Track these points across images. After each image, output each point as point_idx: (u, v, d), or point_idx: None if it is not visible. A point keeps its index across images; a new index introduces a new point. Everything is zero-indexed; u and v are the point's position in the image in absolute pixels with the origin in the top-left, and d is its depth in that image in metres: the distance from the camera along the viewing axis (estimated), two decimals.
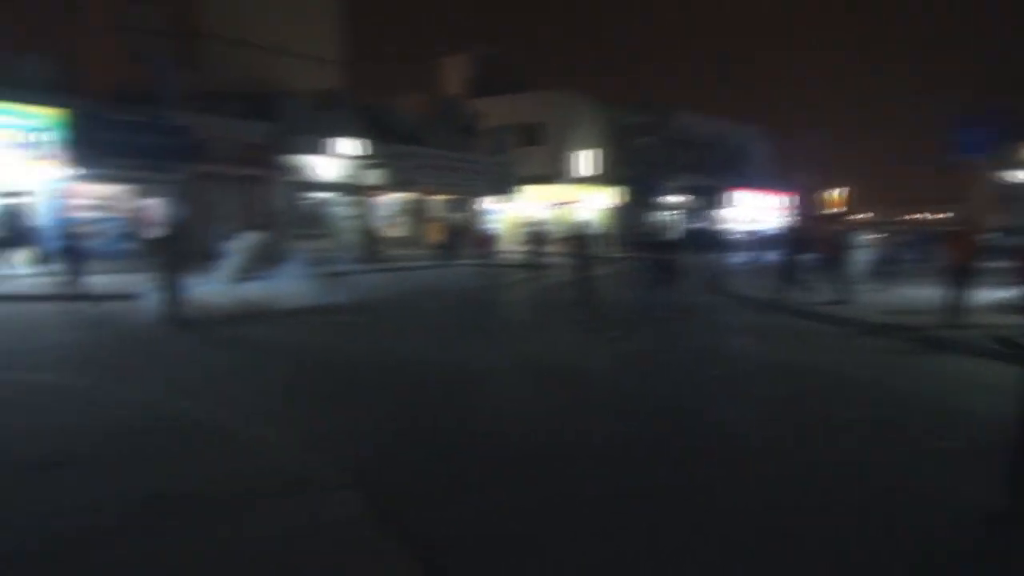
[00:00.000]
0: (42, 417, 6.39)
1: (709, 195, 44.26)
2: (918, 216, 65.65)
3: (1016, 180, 16.84)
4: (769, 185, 51.07)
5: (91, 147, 19.88)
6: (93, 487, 4.77)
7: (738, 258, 25.96)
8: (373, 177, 29.45)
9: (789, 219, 48.56)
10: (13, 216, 19.89)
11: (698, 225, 38.99)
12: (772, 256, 17.73)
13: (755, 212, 48.18)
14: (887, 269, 17.28)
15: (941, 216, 64.08)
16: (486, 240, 29.07)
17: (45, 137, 19.12)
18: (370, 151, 28.44)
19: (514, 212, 38.36)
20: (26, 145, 18.81)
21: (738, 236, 36.27)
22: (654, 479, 5.53)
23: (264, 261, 15.63)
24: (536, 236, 26.49)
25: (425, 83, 44.73)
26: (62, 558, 3.85)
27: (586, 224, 25.68)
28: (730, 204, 45.94)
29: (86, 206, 21.28)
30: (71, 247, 18.34)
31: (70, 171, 19.86)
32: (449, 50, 44.17)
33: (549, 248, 25.69)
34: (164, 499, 4.58)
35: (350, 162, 28.54)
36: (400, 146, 29.74)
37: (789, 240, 15.53)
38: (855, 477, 5.58)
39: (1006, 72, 18.63)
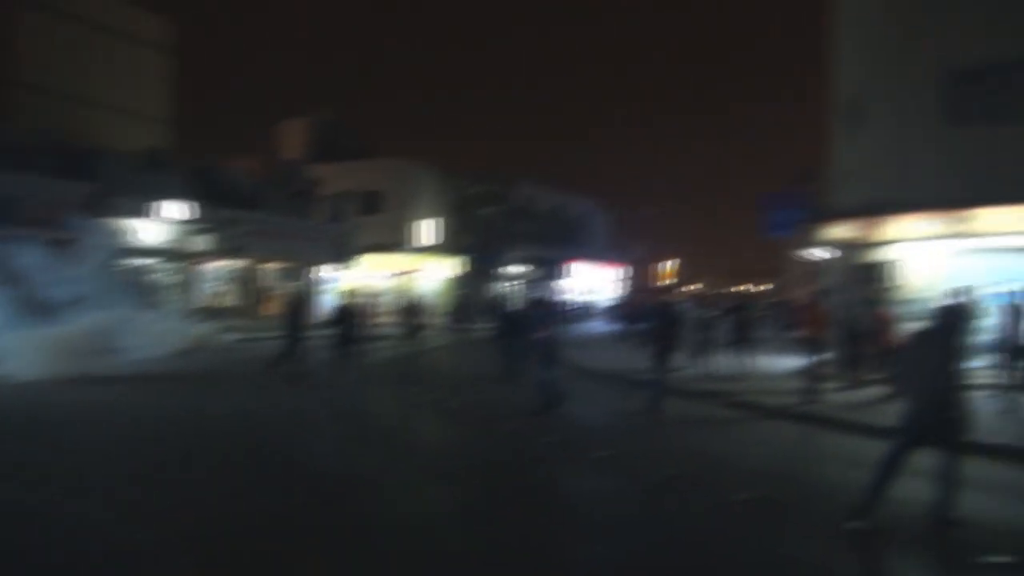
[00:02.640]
0: None
1: (549, 266, 45.51)
2: (743, 288, 70.55)
3: (816, 257, 18.51)
4: (606, 257, 53.34)
5: None
6: None
7: (580, 329, 26.49)
8: (201, 243, 27.84)
9: (626, 290, 50.70)
10: None
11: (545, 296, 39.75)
12: (613, 327, 18.17)
13: (593, 283, 49.98)
14: (731, 339, 17.27)
15: (763, 288, 69.42)
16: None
17: None
18: (198, 215, 26.90)
19: (353, 281, 37.49)
20: None
21: (579, 307, 37.37)
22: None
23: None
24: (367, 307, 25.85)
25: (262, 147, 43.50)
26: None
27: (422, 295, 25.35)
28: (569, 275, 47.42)
29: None
30: None
31: None
32: (289, 114, 43.34)
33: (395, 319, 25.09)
34: None
35: (176, 226, 26.85)
36: (231, 211, 28.39)
37: (628, 311, 15.94)
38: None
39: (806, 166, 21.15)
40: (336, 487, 7.35)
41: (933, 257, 14.90)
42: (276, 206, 30.87)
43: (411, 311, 20.25)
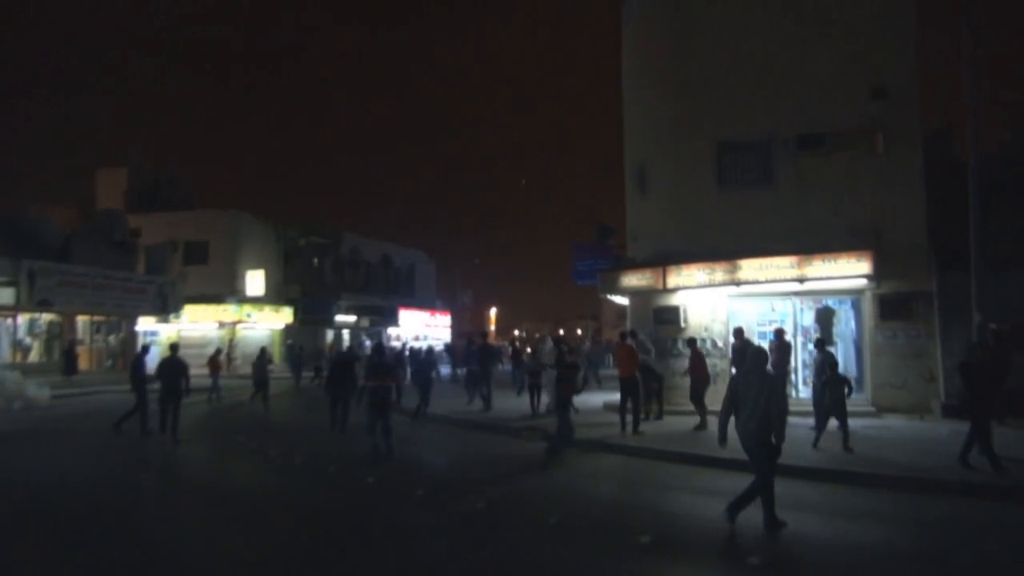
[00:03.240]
0: None
1: (380, 314, 46.19)
2: (561, 331, 74.32)
3: (620, 302, 20.65)
4: (434, 305, 54.76)
5: None
6: None
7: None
8: (3, 296, 26.17)
9: (454, 336, 52.24)
10: None
11: (379, 344, 40.17)
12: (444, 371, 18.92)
13: (420, 329, 51.09)
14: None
15: (579, 331, 73.75)
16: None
17: None
18: None
19: (176, 333, 36.44)
20: None
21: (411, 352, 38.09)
22: None
23: None
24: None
25: (79, 196, 41.27)
26: None
27: (265, 346, 25.32)
28: (399, 323, 48.25)
29: None
30: None
31: None
32: (107, 164, 41.30)
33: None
34: None
35: None
36: (38, 262, 26.93)
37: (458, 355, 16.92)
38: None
39: (603, 223, 24.02)
40: (162, 538, 7.49)
41: (712, 301, 17.37)
42: (94, 257, 29.57)
43: (258, 362, 20.39)
